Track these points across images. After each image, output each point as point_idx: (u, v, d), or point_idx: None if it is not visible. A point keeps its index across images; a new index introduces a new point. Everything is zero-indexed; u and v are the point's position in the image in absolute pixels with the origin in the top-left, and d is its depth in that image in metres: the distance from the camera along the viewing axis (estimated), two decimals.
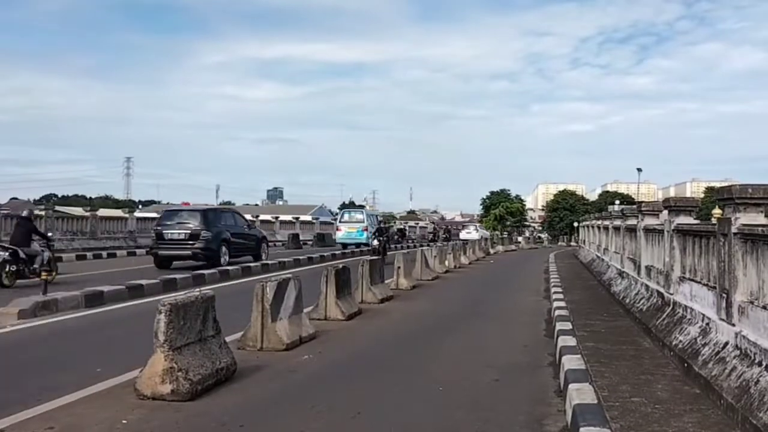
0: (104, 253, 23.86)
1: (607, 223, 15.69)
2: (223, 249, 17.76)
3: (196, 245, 17.24)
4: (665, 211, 7.65)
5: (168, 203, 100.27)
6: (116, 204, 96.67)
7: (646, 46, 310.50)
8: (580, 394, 4.83)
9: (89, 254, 23.03)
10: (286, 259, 20.10)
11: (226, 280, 15.25)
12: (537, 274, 19.96)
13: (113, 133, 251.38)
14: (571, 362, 5.96)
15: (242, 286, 13.70)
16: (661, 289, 7.61)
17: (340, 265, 10.08)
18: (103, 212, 30.08)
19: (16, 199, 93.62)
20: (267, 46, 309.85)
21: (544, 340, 8.38)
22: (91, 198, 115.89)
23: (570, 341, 7.13)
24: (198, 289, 6.10)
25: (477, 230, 54.60)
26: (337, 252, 26.09)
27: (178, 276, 13.81)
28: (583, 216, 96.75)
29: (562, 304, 10.44)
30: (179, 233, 17.56)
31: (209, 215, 18.59)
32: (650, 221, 9.29)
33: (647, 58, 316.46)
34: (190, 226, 17.62)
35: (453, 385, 5.96)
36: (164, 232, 17.76)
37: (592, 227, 20.88)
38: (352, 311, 9.95)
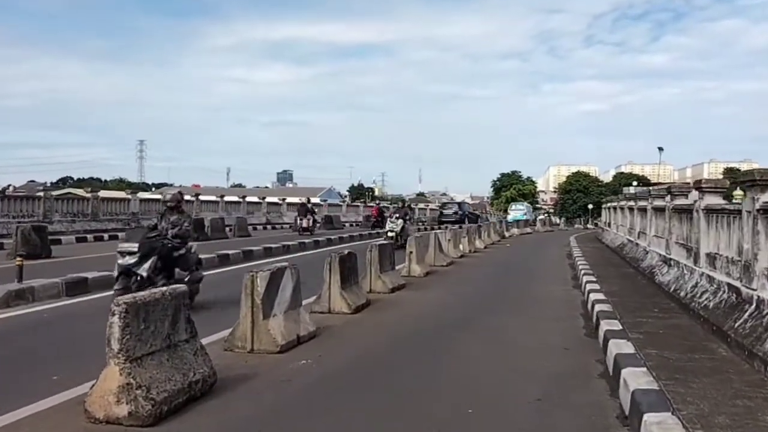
0: (106, 236, 22.88)
1: (643, 203, 14.27)
2: None
3: None
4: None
5: (180, 186, 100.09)
6: (129, 187, 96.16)
7: (663, 23, 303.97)
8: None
9: (90, 236, 22.10)
10: (290, 243, 18.90)
11: (225, 265, 14.10)
12: (560, 259, 18.63)
13: (126, 116, 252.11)
14: (637, 378, 4.69)
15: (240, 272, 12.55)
16: (736, 283, 6.28)
17: (346, 251, 8.83)
18: (105, 194, 29.06)
19: (33, 182, 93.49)
20: (275, 28, 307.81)
21: (586, 342, 7.11)
22: (105, 181, 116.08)
23: (625, 346, 5.86)
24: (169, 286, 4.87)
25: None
26: (344, 235, 24.86)
27: None
28: (598, 197, 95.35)
29: (600, 296, 9.14)
30: None
31: None
32: (712, 200, 7.93)
33: (663, 35, 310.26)
34: None
35: (485, 407, 4.71)
36: None
37: (621, 209, 19.41)
38: (360, 303, 8.72)
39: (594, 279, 11.25)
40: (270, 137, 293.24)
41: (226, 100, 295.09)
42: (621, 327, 6.87)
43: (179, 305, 4.66)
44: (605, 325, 6.96)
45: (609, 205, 25.43)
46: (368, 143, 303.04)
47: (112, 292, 9.58)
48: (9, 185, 35.85)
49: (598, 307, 8.14)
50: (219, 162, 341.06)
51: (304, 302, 8.95)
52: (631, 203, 16.86)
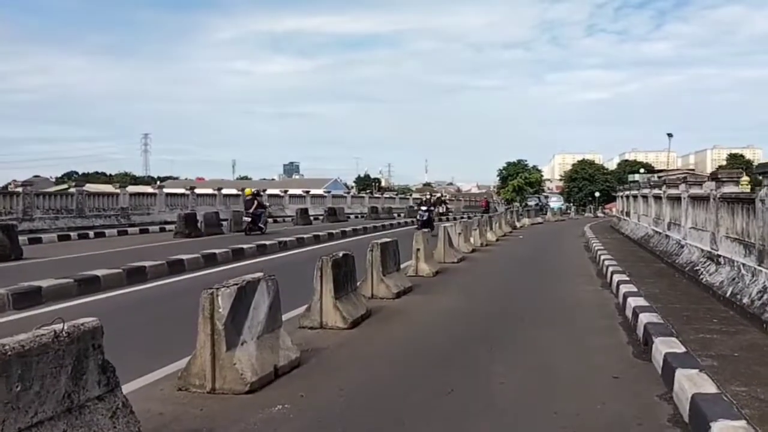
0: (91, 233, 21.63)
1: (674, 191, 12.76)
2: None
3: None
4: None
5: (186, 179, 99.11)
6: (134, 180, 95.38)
7: (664, 11, 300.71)
8: None
9: (73, 234, 20.81)
10: (287, 239, 17.51)
11: (212, 266, 12.72)
12: (578, 253, 17.18)
13: (131, 109, 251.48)
14: None
15: (226, 275, 11.19)
16: None
17: (341, 253, 7.41)
18: (91, 187, 27.76)
19: (38, 176, 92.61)
20: (278, 20, 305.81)
21: (637, 366, 5.67)
22: (111, 175, 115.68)
23: (702, 382, 4.43)
24: (73, 322, 3.46)
25: (559, 200, 68.41)
26: (347, 229, 23.42)
27: (148, 264, 11.27)
28: (604, 185, 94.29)
29: (641, 300, 7.70)
30: None
31: None
32: None
33: (665, 23, 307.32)
34: None
35: None
36: None
37: (644, 197, 17.85)
38: (358, 315, 7.32)
39: (626, 278, 9.79)
40: (275, 129, 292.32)
41: (231, 92, 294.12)
42: (684, 348, 5.44)
43: (86, 349, 3.26)
44: (662, 345, 5.53)
45: (627, 193, 23.80)
46: (374, 134, 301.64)
47: (68, 304, 8.27)
48: (12, 181, 34.59)
49: (643, 317, 6.71)
50: (225, 154, 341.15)
51: (293, 313, 7.63)
52: (657, 191, 15.33)
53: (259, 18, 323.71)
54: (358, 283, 8.35)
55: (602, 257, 13.24)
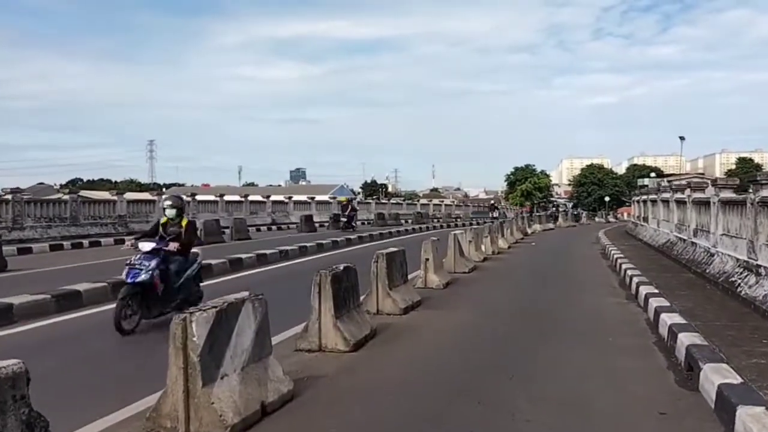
0: (86, 242, 20.95)
1: (701, 195, 11.94)
2: None
3: None
4: None
5: (192, 185, 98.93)
6: (140, 187, 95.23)
7: (670, 15, 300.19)
8: None
9: (66, 243, 20.12)
10: (289, 247, 16.78)
11: (208, 278, 11.98)
12: (596, 260, 16.37)
13: (136, 116, 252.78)
14: None
15: (221, 287, 10.48)
16: None
17: (341, 266, 6.66)
18: (91, 194, 27.14)
19: (42, 183, 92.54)
20: (282, 25, 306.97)
21: (684, 398, 4.89)
22: (116, 182, 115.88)
23: None
24: None
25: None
26: (352, 237, 22.68)
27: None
28: (613, 190, 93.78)
29: (677, 317, 6.90)
30: None
31: None
32: None
33: (672, 26, 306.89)
34: None
35: None
36: None
37: (664, 202, 16.98)
38: (361, 335, 6.57)
39: (655, 290, 8.99)
40: (281, 135, 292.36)
41: (236, 98, 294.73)
42: (740, 378, 4.65)
43: (2, 402, 2.53)
44: (713, 374, 4.75)
45: (644, 197, 22.88)
46: (380, 139, 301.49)
47: (36, 325, 7.47)
48: (14, 188, 34.12)
49: (684, 338, 5.92)
50: (231, 161, 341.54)
51: (292, 331, 6.92)
52: (680, 195, 14.48)
53: (264, 23, 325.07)
54: (362, 298, 7.63)
55: (623, 266, 12.42)
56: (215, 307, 4.29)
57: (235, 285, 11.50)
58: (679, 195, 14.61)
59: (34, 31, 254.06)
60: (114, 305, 7.27)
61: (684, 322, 6.64)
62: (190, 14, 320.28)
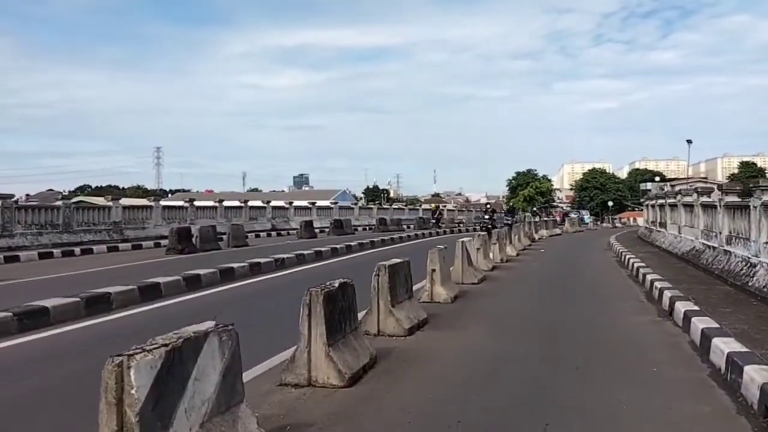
0: (78, 249, 20.02)
1: (735, 199, 10.86)
2: None
3: None
4: None
5: (197, 191, 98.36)
6: (146, 193, 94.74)
7: (671, 20, 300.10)
8: None
9: (57, 251, 19.18)
10: (285, 255, 15.73)
11: (196, 290, 10.95)
12: (612, 269, 15.30)
13: (143, 123, 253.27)
14: None
15: (210, 300, 9.45)
16: None
17: (336, 282, 5.62)
18: (92, 200, 26.14)
19: (51, 190, 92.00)
20: (288, 34, 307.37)
21: None
22: (124, 188, 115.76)
23: None
24: None
25: (587, 213, 74.14)
26: (353, 243, 21.62)
27: (114, 290, 9.52)
28: (615, 194, 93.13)
29: (736, 345, 5.81)
30: None
31: None
32: None
33: (672, 32, 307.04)
34: None
35: None
36: None
37: (687, 206, 15.87)
38: (358, 366, 5.52)
39: (695, 307, 7.92)
40: (285, 141, 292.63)
41: (242, 105, 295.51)
42: None
43: None
44: None
45: (662, 201, 21.72)
46: (383, 145, 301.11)
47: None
48: (23, 195, 33.25)
49: (754, 373, 4.84)
50: (235, 167, 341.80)
51: (278, 358, 5.91)
52: (707, 198, 13.40)
53: (270, 32, 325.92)
54: (360, 317, 6.59)
55: (648, 276, 11.33)
56: (166, 345, 3.25)
57: (222, 297, 10.49)
58: (705, 198, 13.53)
59: (48, 41, 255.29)
60: (88, 323, 6.24)
61: (746, 350, 5.57)
62: (198, 24, 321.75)
